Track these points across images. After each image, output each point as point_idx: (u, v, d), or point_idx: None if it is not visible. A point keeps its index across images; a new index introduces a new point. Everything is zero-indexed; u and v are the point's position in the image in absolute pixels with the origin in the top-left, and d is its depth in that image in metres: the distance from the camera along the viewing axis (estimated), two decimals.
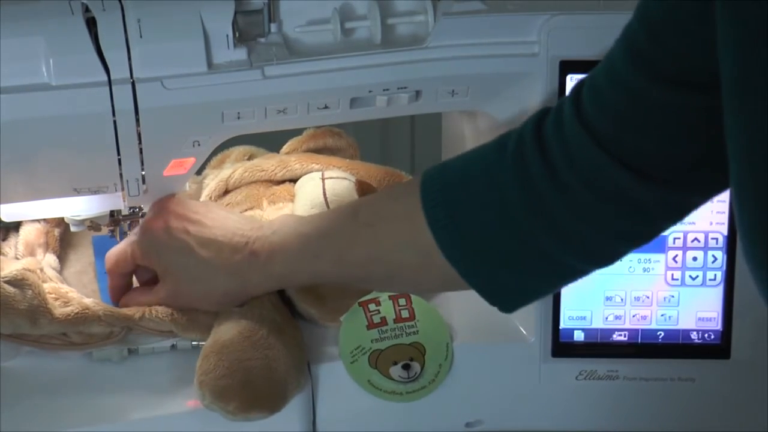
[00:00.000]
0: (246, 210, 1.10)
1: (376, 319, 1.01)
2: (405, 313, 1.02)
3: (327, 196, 1.09)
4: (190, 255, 0.97)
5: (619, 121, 0.75)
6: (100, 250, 1.09)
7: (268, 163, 1.15)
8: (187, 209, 0.99)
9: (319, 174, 1.13)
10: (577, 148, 0.77)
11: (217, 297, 0.98)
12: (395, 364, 0.99)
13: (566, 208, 0.78)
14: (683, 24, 0.68)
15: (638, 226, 0.80)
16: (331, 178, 1.12)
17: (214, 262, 0.96)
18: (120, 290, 1.03)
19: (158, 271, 1.00)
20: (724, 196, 0.97)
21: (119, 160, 0.93)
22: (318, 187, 1.11)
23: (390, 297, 1.02)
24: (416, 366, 0.99)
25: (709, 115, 0.68)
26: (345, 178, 1.13)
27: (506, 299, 0.86)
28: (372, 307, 1.02)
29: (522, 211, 0.80)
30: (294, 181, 1.15)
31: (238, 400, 0.91)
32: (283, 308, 1.01)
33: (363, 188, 1.12)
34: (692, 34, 0.67)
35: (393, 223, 0.89)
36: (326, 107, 0.96)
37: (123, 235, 1.05)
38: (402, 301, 1.02)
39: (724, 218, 0.98)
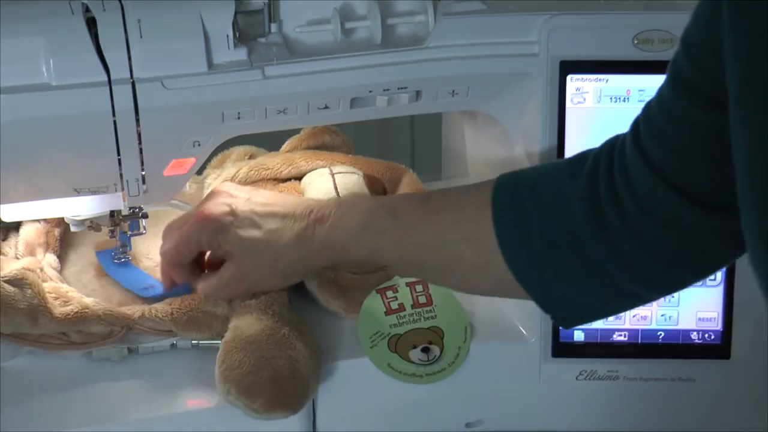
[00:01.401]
0: None
1: (394, 305, 1.02)
2: (422, 299, 1.03)
3: (338, 190, 1.10)
4: (257, 229, 0.96)
5: (668, 146, 0.75)
6: (106, 262, 1.08)
7: (273, 161, 1.15)
8: (246, 190, 1.01)
9: (327, 170, 1.14)
10: (635, 174, 0.77)
11: (281, 269, 0.97)
12: (414, 347, 1.00)
13: (626, 233, 0.79)
14: (715, 42, 0.67)
15: (692, 255, 0.79)
16: (340, 172, 1.13)
17: (280, 232, 0.95)
18: (186, 279, 1.02)
19: (224, 251, 0.98)
20: None
21: (119, 160, 0.93)
22: (329, 181, 1.12)
23: (407, 284, 1.03)
24: (435, 349, 1.00)
25: None
26: (354, 173, 1.14)
27: (563, 312, 0.86)
28: (389, 294, 1.03)
29: (587, 231, 0.80)
30: (299, 178, 1.15)
31: (265, 397, 0.91)
32: (295, 310, 1.02)
33: (370, 182, 1.13)
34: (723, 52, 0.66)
35: (460, 214, 0.88)
36: (326, 107, 0.96)
37: (123, 235, 1.05)
38: (419, 288, 1.03)
39: None
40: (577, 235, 0.81)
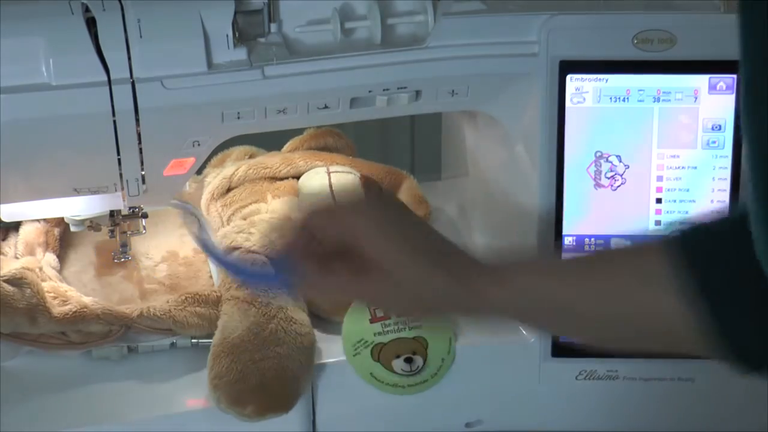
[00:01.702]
0: (250, 204, 1.10)
1: (379, 312, 1.01)
2: None
3: (333, 188, 1.10)
4: (429, 233, 0.80)
5: None
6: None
7: (272, 161, 1.15)
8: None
9: (324, 169, 1.14)
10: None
11: (423, 299, 0.78)
12: (398, 357, 0.99)
13: None
14: None
15: None
16: (336, 172, 1.13)
17: (449, 247, 0.79)
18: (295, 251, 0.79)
19: (386, 247, 0.77)
20: (723, 196, 0.97)
21: (119, 160, 0.93)
22: (324, 179, 1.12)
23: None
24: (419, 360, 0.99)
25: None
26: (350, 172, 1.14)
27: (747, 358, 0.77)
28: None
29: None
30: (297, 177, 1.16)
31: (255, 404, 0.91)
32: None
33: (367, 183, 1.13)
34: None
35: (635, 272, 0.77)
36: (326, 107, 0.96)
37: (122, 235, 1.05)
38: None
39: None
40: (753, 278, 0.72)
